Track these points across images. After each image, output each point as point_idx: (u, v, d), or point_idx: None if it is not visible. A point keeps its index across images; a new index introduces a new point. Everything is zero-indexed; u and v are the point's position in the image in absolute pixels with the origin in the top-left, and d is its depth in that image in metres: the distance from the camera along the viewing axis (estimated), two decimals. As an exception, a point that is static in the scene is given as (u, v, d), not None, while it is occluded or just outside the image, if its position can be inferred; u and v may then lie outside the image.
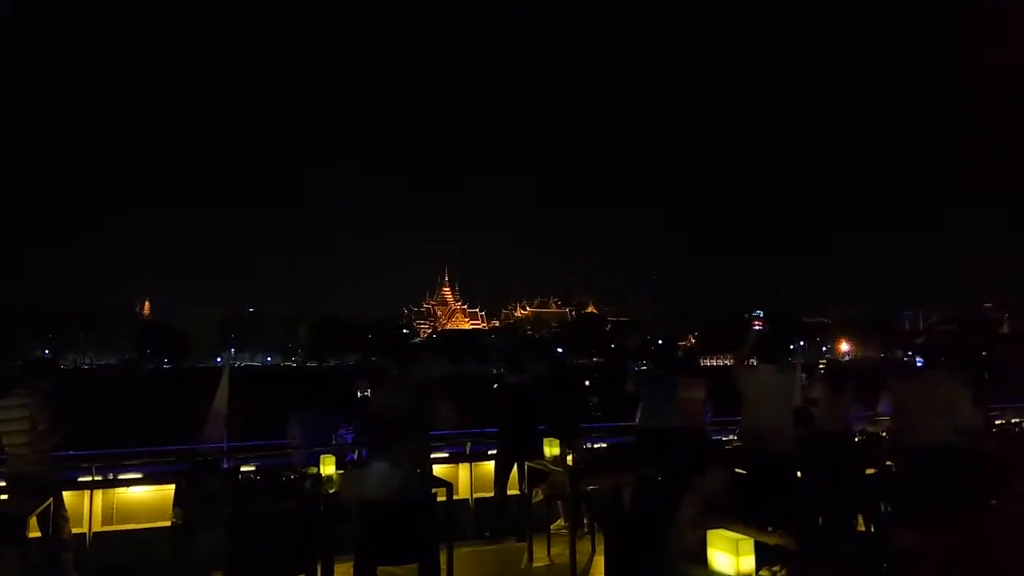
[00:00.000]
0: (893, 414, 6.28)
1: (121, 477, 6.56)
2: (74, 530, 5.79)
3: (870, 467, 6.30)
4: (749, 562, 2.63)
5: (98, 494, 6.31)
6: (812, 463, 6.06)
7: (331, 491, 5.13)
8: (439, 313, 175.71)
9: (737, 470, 6.19)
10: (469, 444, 7.87)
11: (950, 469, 5.30)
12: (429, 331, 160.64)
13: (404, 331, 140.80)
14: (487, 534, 6.88)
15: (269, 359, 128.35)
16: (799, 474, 5.98)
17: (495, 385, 7.43)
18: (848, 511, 5.72)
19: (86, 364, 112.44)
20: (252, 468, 6.38)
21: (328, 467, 5.55)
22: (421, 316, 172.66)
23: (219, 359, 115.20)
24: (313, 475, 5.46)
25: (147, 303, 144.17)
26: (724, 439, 8.28)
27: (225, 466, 6.31)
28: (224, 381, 7.47)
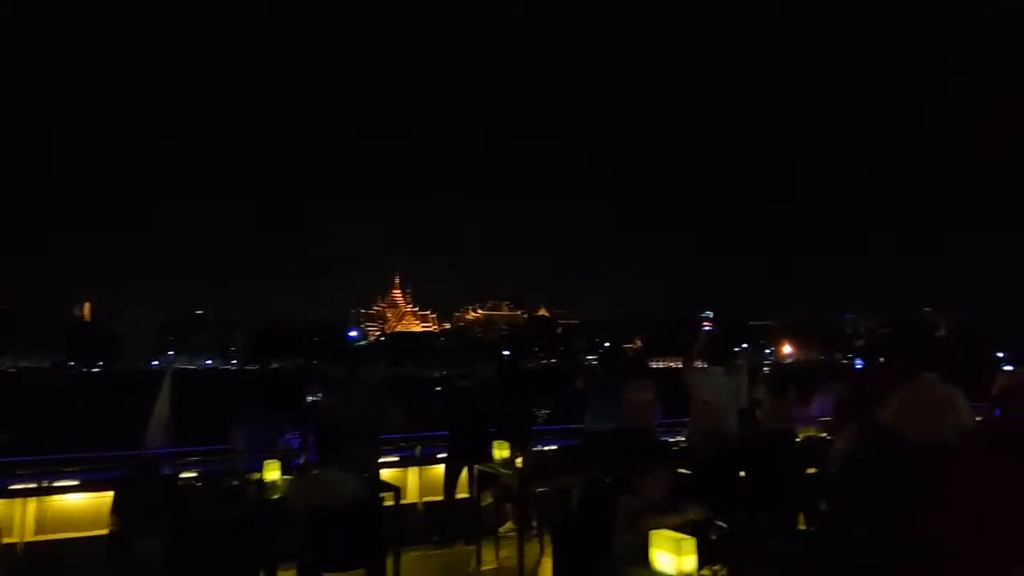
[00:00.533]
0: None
1: (56, 484, 6.31)
2: (5, 540, 5.55)
3: (811, 467, 6.45)
4: (691, 561, 2.67)
5: (31, 502, 6.06)
6: (756, 463, 6.19)
7: (275, 497, 5.03)
8: (389, 315, 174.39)
9: (683, 470, 6.33)
10: (419, 448, 7.82)
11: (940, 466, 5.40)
12: (378, 333, 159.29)
13: (352, 333, 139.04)
14: (435, 538, 6.85)
15: (209, 362, 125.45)
16: (743, 474, 6.11)
17: (438, 388, 7.40)
18: (790, 510, 5.85)
19: (12, 368, 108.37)
20: (194, 474, 6.21)
21: (272, 473, 5.44)
22: (371, 318, 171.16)
23: (155, 363, 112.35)
24: (257, 481, 5.35)
25: (87, 305, 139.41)
26: (673, 440, 8.41)
27: (166, 472, 6.14)
28: (166, 386, 7.27)
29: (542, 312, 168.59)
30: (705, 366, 6.29)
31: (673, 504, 3.42)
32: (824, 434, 7.14)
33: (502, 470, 6.08)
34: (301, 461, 6.67)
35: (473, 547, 6.23)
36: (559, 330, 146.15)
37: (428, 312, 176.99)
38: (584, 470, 5.59)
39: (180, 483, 5.44)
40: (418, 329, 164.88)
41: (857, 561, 2.99)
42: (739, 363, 7.11)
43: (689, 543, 2.67)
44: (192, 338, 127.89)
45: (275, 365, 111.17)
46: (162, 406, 7.14)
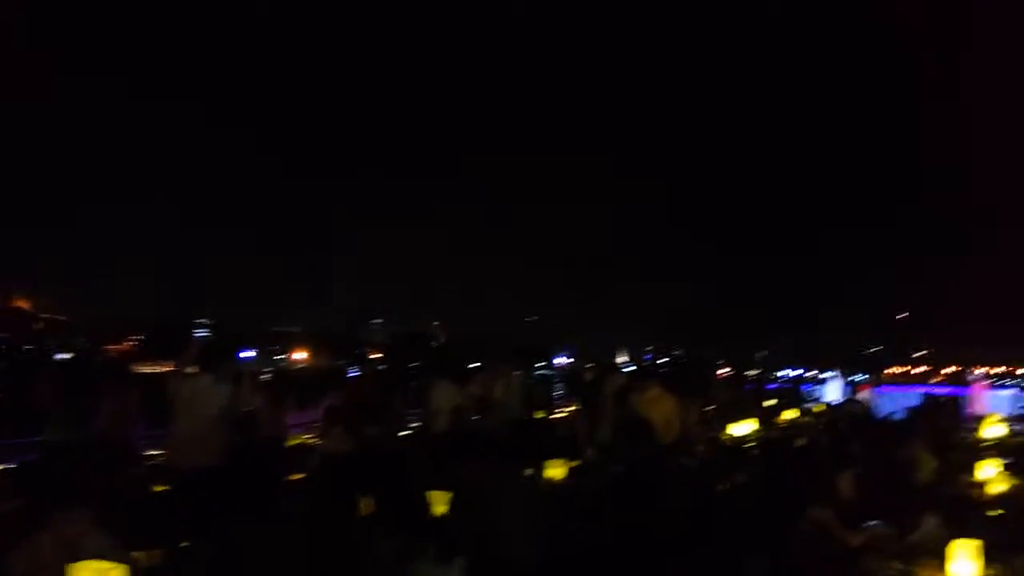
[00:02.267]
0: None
1: None
2: None
3: (299, 473, 6.58)
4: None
5: None
6: (245, 472, 6.07)
7: None
8: None
9: (159, 487, 5.86)
10: None
11: None
12: None
13: None
14: None
15: None
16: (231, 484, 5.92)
17: None
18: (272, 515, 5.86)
19: None
20: None
21: None
22: None
23: None
24: None
25: None
26: (156, 452, 7.80)
27: None
28: None
29: (19, 303, 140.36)
30: (195, 372, 5.99)
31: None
32: (312, 439, 7.37)
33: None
34: None
35: None
36: (41, 326, 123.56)
37: None
38: (34, 492, 4.73)
39: None
40: None
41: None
42: (237, 369, 6.95)
43: (118, 571, 2.38)
44: None
45: None
46: None
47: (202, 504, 5.34)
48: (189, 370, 6.08)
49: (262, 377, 9.08)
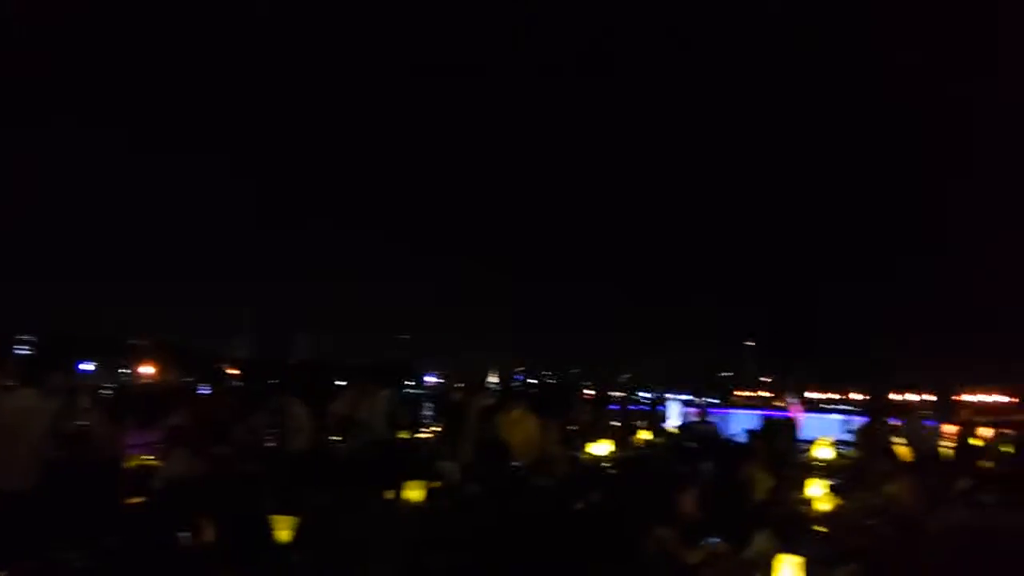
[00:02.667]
0: None
1: None
2: None
3: (139, 496, 6.14)
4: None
5: None
6: (68, 495, 5.60)
7: None
8: None
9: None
10: None
11: None
12: None
13: None
14: None
15: None
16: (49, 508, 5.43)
17: None
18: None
19: None
20: None
21: None
22: None
23: None
24: None
25: None
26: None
27: None
28: None
29: None
30: (14, 385, 5.48)
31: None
32: (154, 460, 6.91)
33: None
34: None
35: None
36: None
37: None
38: None
39: None
40: None
41: None
42: (69, 383, 6.44)
43: None
44: None
45: None
46: None
47: (19, 531, 4.88)
48: (8, 383, 5.56)
49: (101, 392, 8.40)
